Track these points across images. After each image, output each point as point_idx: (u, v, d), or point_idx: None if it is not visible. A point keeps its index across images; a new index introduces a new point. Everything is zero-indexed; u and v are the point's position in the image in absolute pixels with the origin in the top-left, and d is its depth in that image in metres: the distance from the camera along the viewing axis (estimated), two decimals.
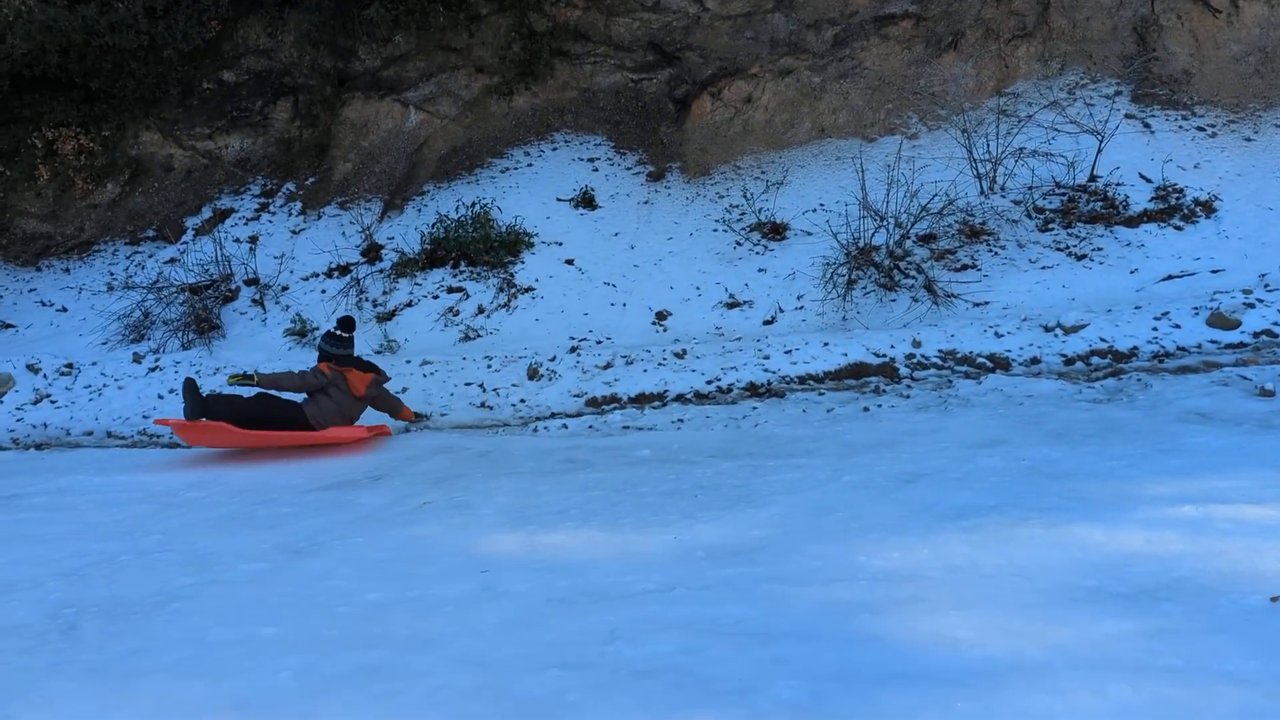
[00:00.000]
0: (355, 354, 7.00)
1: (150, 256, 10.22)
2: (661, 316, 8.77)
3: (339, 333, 6.89)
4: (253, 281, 9.71)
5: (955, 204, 8.72)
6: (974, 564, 3.88)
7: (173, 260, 10.05)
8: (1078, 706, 2.76)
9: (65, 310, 9.71)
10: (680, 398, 7.51)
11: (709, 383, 7.54)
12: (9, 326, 9.49)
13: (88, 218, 10.64)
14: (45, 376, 8.60)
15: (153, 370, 8.67)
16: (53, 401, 8.36)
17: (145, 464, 6.93)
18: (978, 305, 7.88)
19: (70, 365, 8.70)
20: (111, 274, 10.05)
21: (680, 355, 7.89)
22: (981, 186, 9.09)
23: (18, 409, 8.28)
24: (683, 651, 3.37)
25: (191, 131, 11.26)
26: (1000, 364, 7.08)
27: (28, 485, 6.42)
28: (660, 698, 3.03)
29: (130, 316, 9.19)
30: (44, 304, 9.80)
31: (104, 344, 9.07)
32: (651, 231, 9.82)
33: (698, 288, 9.02)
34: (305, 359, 8.73)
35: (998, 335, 7.32)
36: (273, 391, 6.77)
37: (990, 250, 8.44)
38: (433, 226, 9.84)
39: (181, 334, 9.05)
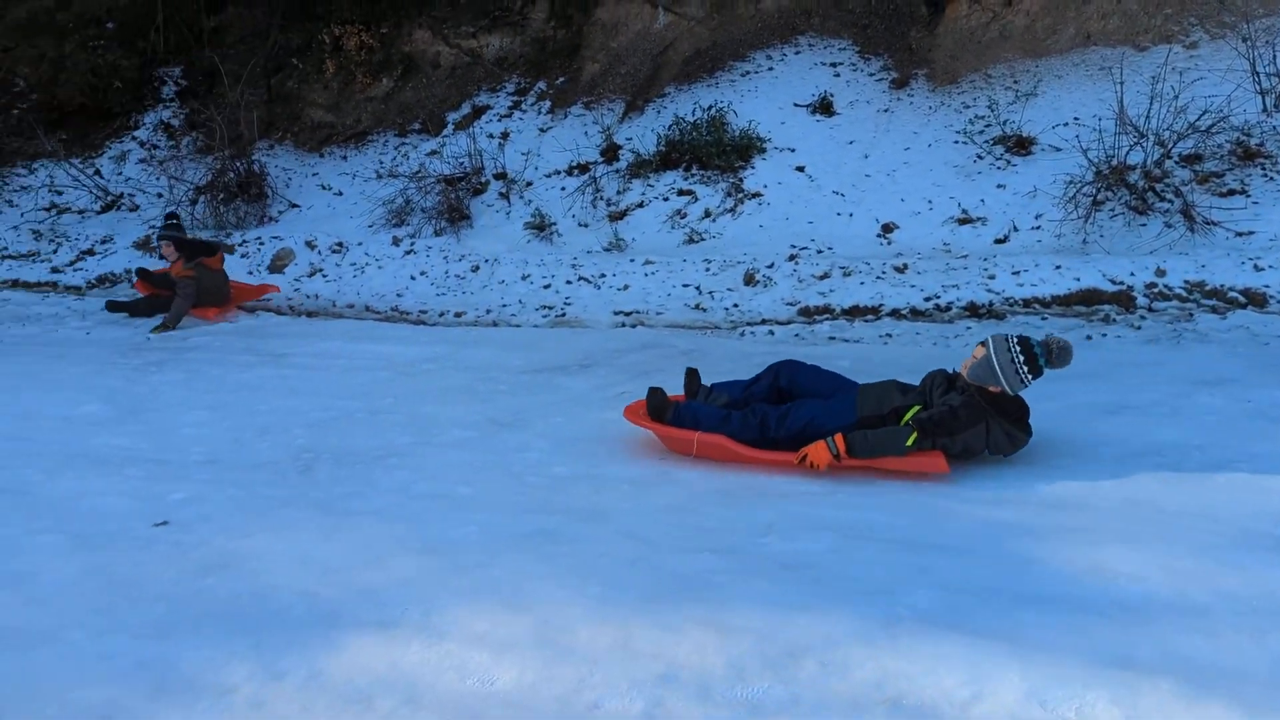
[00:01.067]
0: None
1: (414, 148, 11.08)
2: (888, 229, 8.54)
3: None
4: (501, 176, 10.32)
5: (1229, 121, 7.79)
6: (1155, 501, 3.68)
7: (433, 153, 10.85)
8: (1231, 652, 2.62)
9: (340, 194, 10.76)
10: (895, 313, 7.36)
11: (927, 299, 7.33)
12: (295, 206, 10.66)
13: (364, 110, 11.64)
14: (319, 253, 9.65)
15: (408, 254, 9.51)
16: (324, 275, 9.40)
17: (392, 336, 7.70)
18: (1240, 235, 7.09)
19: (340, 244, 9.71)
20: (380, 162, 11.00)
21: (901, 270, 7.70)
22: (1265, 104, 8.05)
23: (295, 280, 9.38)
24: (831, 551, 3.46)
25: (458, 30, 11.94)
26: (1255, 300, 6.41)
27: (295, 346, 7.33)
28: (800, 589, 3.16)
29: (393, 203, 10.07)
30: (324, 187, 10.91)
31: (369, 226, 10.01)
32: (888, 141, 9.49)
33: (930, 201, 8.68)
34: (541, 251, 9.27)
35: (1257, 269, 6.60)
36: None
37: (1265, 175, 7.52)
38: (669, 128, 10.00)
39: (435, 221, 9.83)
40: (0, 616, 3.30)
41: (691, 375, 4.95)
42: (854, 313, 7.41)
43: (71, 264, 10.11)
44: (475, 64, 11.78)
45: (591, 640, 2.90)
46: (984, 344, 4.13)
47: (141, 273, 8.68)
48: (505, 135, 10.89)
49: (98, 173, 11.50)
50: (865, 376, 4.63)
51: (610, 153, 10.31)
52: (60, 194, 11.37)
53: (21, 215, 11.11)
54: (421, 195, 10.12)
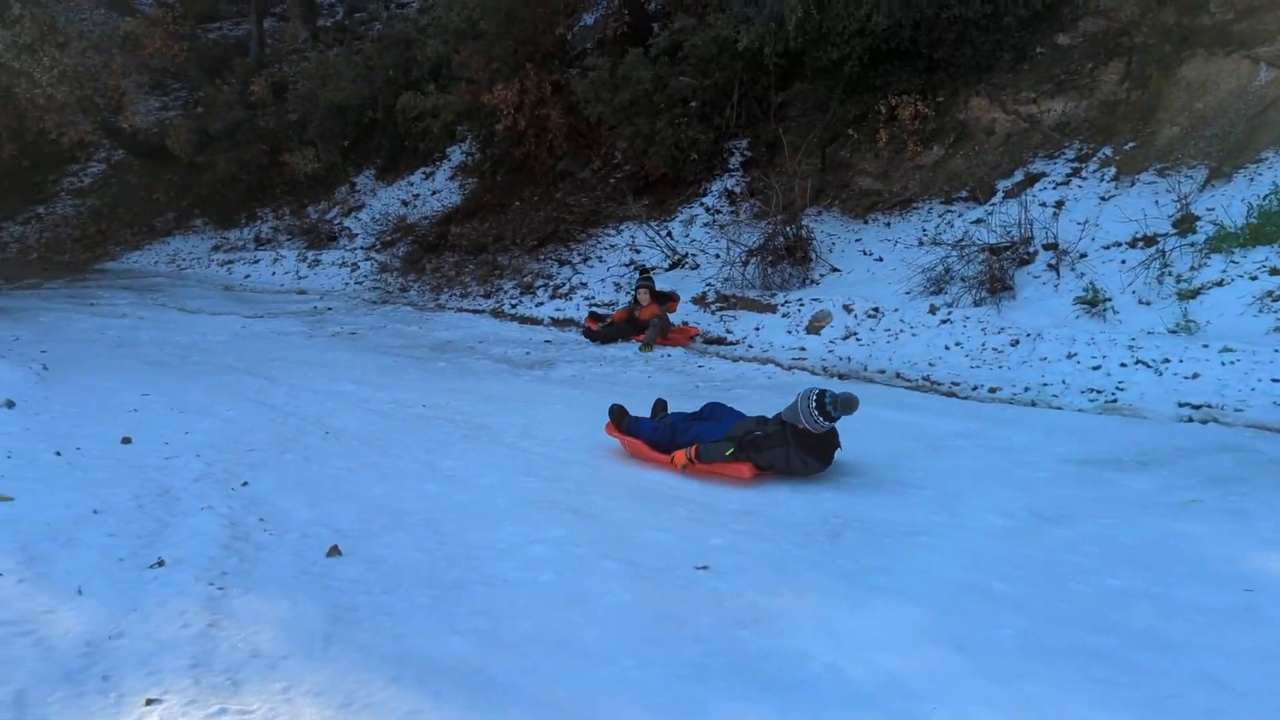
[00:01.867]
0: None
1: (959, 215, 10.87)
2: None
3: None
4: (1051, 246, 9.70)
5: None
6: None
7: (979, 221, 10.54)
8: None
9: (880, 260, 10.91)
10: None
11: None
12: (836, 270, 11.04)
13: (912, 178, 11.72)
14: (855, 316, 9.85)
15: (944, 323, 9.31)
16: (858, 339, 9.56)
17: (923, 406, 7.56)
18: None
19: (876, 309, 9.81)
20: (923, 230, 10.97)
21: None
22: None
23: (830, 341, 9.67)
24: None
25: (1017, 96, 11.54)
26: None
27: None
28: None
29: (933, 270, 9.95)
30: (865, 253, 11.15)
31: (906, 293, 10.00)
32: None
33: None
34: (1092, 329, 8.51)
35: None
36: None
37: None
38: (1264, 198, 8.62)
39: (975, 291, 9.52)
40: (570, 630, 3.74)
41: (658, 404, 6.76)
42: None
43: None
44: (1033, 130, 11.26)
45: None
46: (799, 394, 5.59)
47: (592, 315, 11.24)
48: (1060, 204, 10.23)
49: (669, 234, 12.98)
50: None
51: (1185, 224, 9.17)
52: (638, 252, 13.04)
53: (608, 269, 12.92)
54: (963, 264, 9.88)
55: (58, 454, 6.22)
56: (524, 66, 15.41)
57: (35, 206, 22.10)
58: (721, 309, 10.95)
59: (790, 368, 9.20)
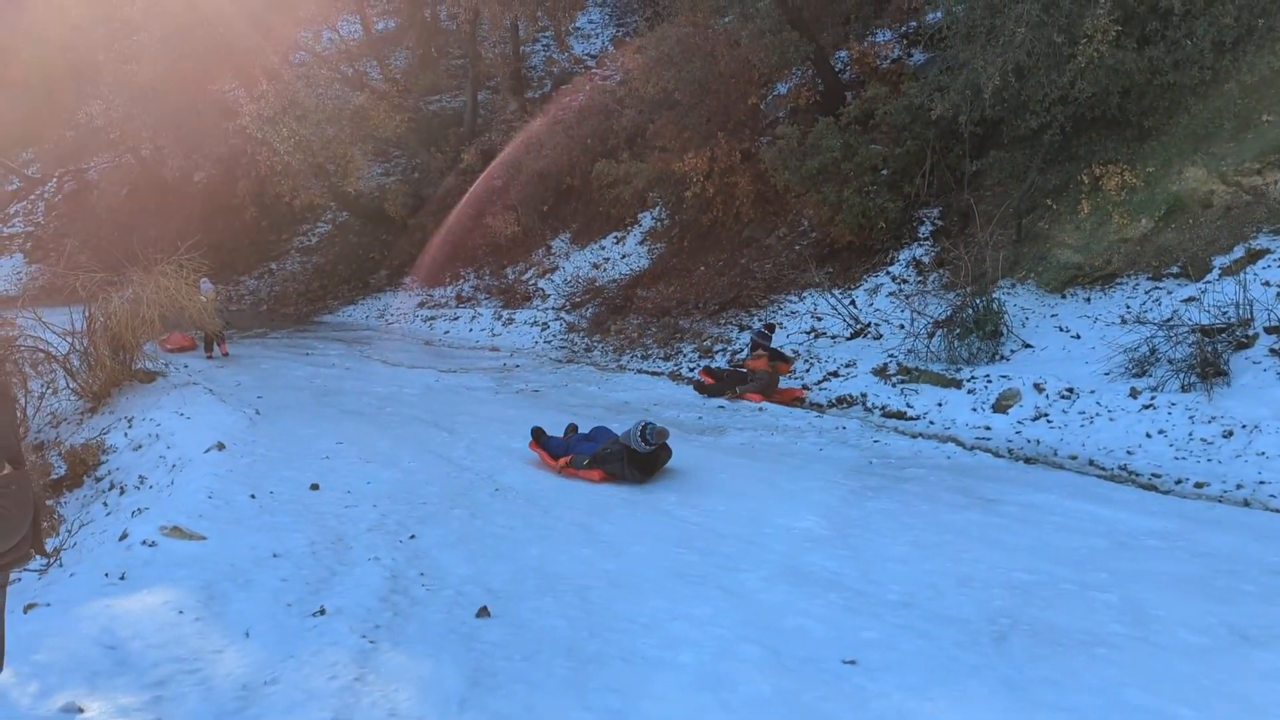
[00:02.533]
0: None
1: (1168, 293, 10.08)
2: None
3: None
4: (1274, 330, 8.81)
5: None
6: None
7: (1190, 299, 9.74)
8: None
9: (1078, 337, 10.25)
10: None
11: None
12: (1028, 346, 10.45)
13: (1116, 251, 10.99)
14: (1047, 396, 9.26)
15: (1146, 408, 8.61)
16: (1049, 421, 8.97)
17: (1116, 499, 6.97)
18: None
19: (1070, 390, 9.20)
20: (1127, 307, 10.24)
21: None
22: None
23: (1018, 422, 9.12)
24: None
25: (1239, 166, 10.66)
26: None
27: (1007, 493, 7.06)
28: None
29: (1136, 351, 9.24)
30: (1061, 329, 10.51)
31: (1105, 374, 9.32)
32: None
33: None
34: None
35: None
36: None
37: None
38: None
39: (1183, 375, 8.75)
40: (698, 716, 3.63)
41: (570, 427, 8.75)
42: None
43: (819, 383, 11.26)
44: (1256, 203, 10.34)
45: None
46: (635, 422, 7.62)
47: (707, 370, 11.88)
48: None
49: (853, 303, 12.72)
50: None
51: None
52: (820, 320, 12.85)
53: (788, 336, 12.79)
54: (1170, 345, 9.11)
55: (252, 496, 6.71)
56: (715, 135, 15.68)
57: (269, 263, 24.28)
58: (903, 382, 10.58)
59: (973, 448, 8.74)
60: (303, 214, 23.85)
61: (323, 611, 4.51)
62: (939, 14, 13.53)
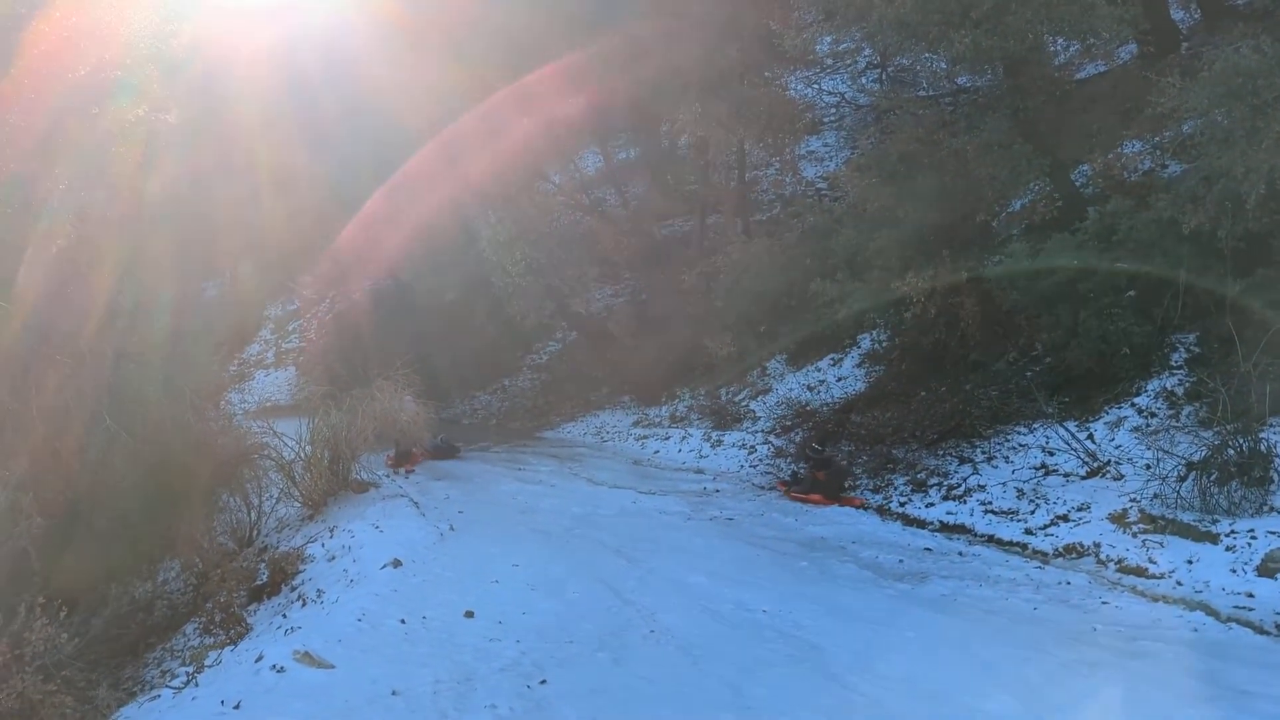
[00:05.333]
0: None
1: None
2: None
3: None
4: None
5: None
6: None
7: None
8: None
9: None
10: None
11: None
12: None
13: None
14: None
15: None
16: None
17: None
18: None
19: None
20: None
21: None
22: None
23: None
24: None
25: None
26: None
27: (1267, 685, 5.70)
28: None
29: None
30: None
31: None
32: None
33: None
34: None
35: None
36: None
37: None
38: None
39: None
40: None
41: None
42: None
43: (1044, 528, 9.97)
44: None
45: None
46: None
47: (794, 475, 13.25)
48: None
49: (1090, 437, 11.30)
50: None
51: None
52: (1051, 455, 11.49)
53: (1012, 472, 11.52)
54: None
55: (402, 621, 6.57)
56: (940, 254, 14.82)
57: (503, 378, 25.36)
58: (1145, 532, 9.13)
59: (1228, 620, 7.24)
60: (535, 333, 24.82)
61: None
62: (1197, 121, 12.23)
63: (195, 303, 23.47)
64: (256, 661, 5.40)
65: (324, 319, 30.37)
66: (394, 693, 5.10)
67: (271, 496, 12.96)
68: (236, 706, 4.77)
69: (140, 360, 10.57)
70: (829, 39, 27.21)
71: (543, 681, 5.52)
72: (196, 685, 5.29)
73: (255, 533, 12.58)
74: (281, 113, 21.56)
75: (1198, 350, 11.54)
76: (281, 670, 5.22)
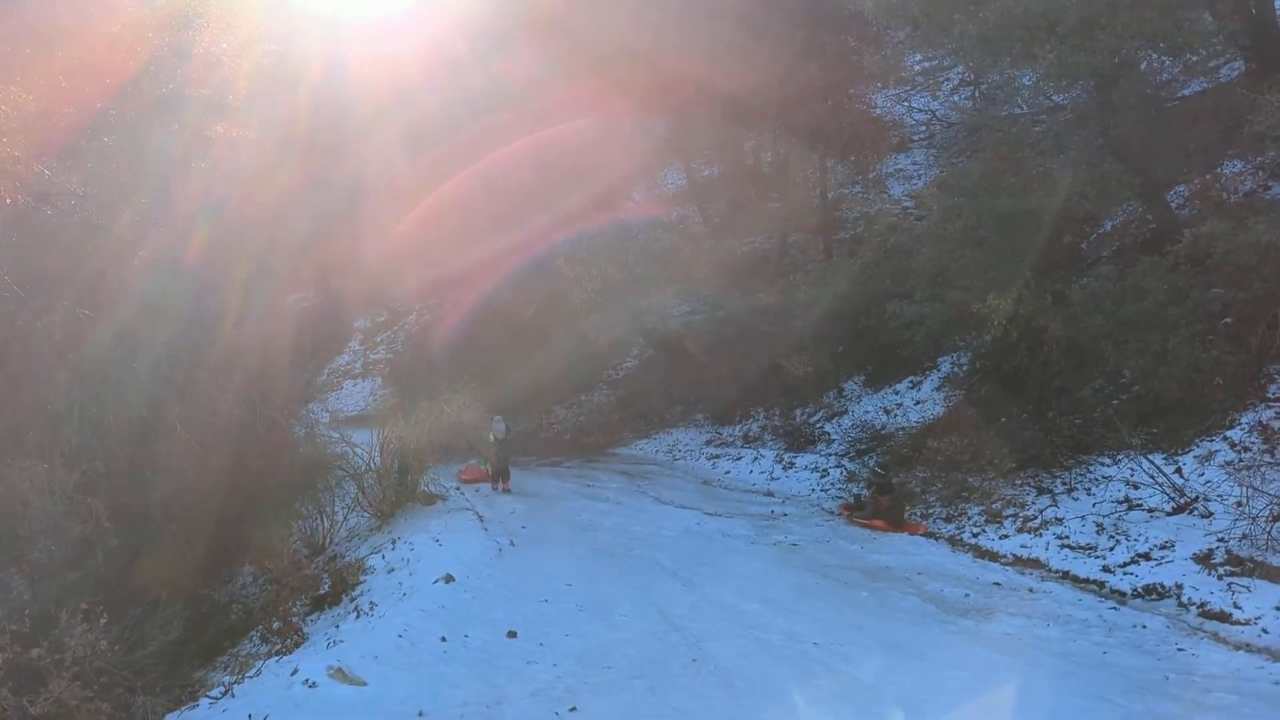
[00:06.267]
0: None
1: None
2: None
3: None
4: None
5: None
6: None
7: None
8: None
9: None
10: None
11: None
12: None
13: None
14: None
15: None
16: None
17: None
18: None
19: None
20: None
21: None
22: None
23: None
24: None
25: None
26: None
27: None
28: None
29: None
30: None
31: None
32: None
33: None
34: None
35: None
36: None
37: None
38: None
39: None
40: None
41: None
42: None
43: (1123, 565, 9.47)
44: None
45: None
46: None
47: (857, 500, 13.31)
48: None
49: (1178, 471, 10.72)
50: None
51: None
52: (1136, 489, 10.93)
53: (1093, 505, 10.99)
54: None
55: (443, 639, 6.56)
56: (1023, 276, 14.32)
57: (580, 394, 25.43)
58: (1232, 574, 8.58)
59: None
60: (613, 349, 24.84)
61: None
62: None
63: (286, 313, 24.06)
64: (291, 675, 5.44)
65: (411, 331, 31.00)
66: (420, 714, 5.07)
67: (346, 506, 13.18)
68: None
69: (215, 369, 10.87)
70: (918, 56, 26.73)
71: (572, 709, 5.42)
72: (232, 696, 5.35)
73: (328, 541, 12.82)
74: (377, 128, 22.06)
75: None
76: (314, 685, 5.24)
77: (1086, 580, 9.47)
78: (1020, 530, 11.05)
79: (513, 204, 21.57)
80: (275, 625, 8.70)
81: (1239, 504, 9.57)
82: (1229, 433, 10.84)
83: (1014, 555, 10.50)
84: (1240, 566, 8.67)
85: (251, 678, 5.72)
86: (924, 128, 28.67)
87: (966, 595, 8.95)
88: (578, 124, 21.47)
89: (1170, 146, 15.35)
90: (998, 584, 9.42)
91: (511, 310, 24.62)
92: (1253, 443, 10.48)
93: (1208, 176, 14.23)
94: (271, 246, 16.22)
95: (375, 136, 21.29)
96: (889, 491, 12.66)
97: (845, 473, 15.00)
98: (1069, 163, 13.64)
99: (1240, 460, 10.32)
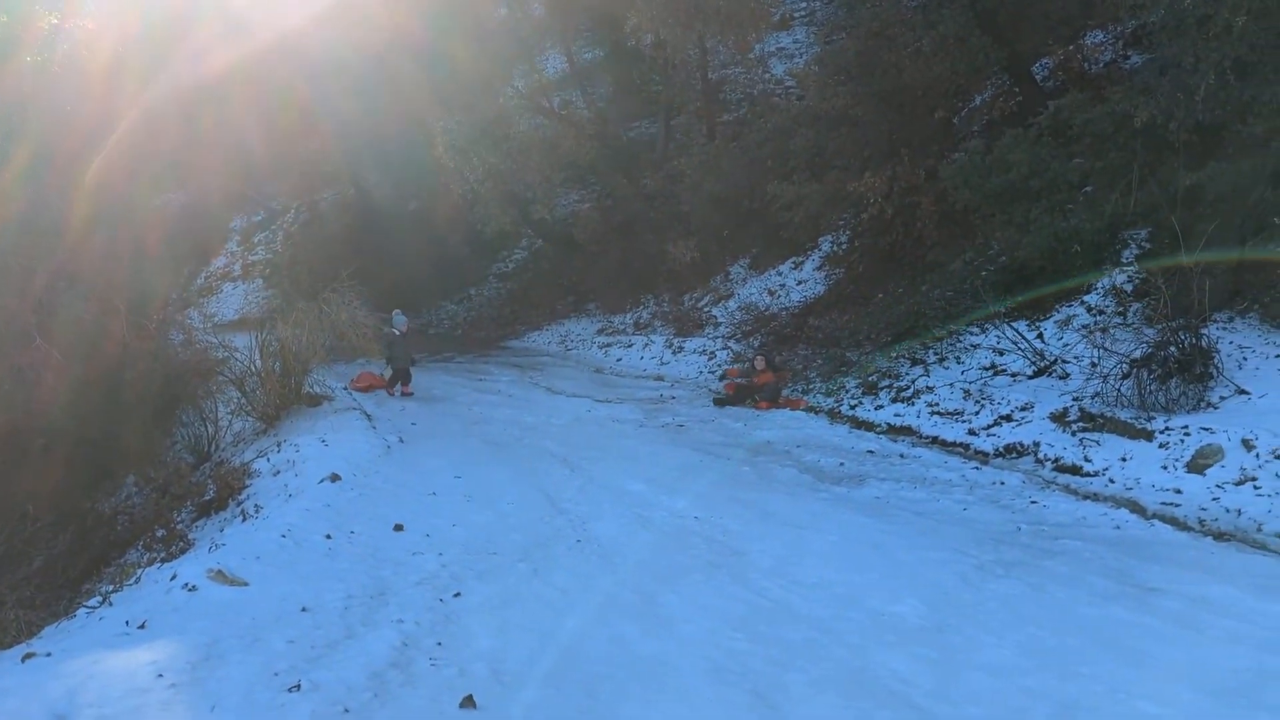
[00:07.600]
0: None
1: None
2: None
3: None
4: None
5: None
6: None
7: None
8: None
9: None
10: None
11: None
12: (1244, 393, 8.77)
13: None
14: (1257, 457, 7.66)
15: None
16: (1255, 487, 7.39)
17: None
18: None
19: None
20: None
21: None
22: None
23: (1217, 486, 7.57)
24: None
25: None
26: None
27: (1174, 581, 5.76)
28: None
29: None
30: None
31: None
32: None
33: None
34: None
35: None
36: None
37: None
38: None
39: None
40: None
41: None
42: None
43: (987, 428, 10.02)
44: None
45: None
46: None
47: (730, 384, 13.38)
48: None
49: (1040, 336, 11.30)
50: None
51: None
52: (1001, 355, 11.50)
53: (962, 373, 11.53)
54: None
55: (328, 537, 6.57)
56: (898, 153, 14.59)
57: (469, 288, 25.16)
58: (1084, 430, 9.18)
59: (1153, 516, 7.32)
60: (502, 241, 24.51)
61: (298, 687, 4.17)
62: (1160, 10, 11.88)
63: (154, 217, 22.81)
64: (171, 580, 5.40)
65: (290, 230, 29.90)
66: (303, 609, 5.11)
67: (230, 412, 12.89)
68: (141, 626, 4.77)
69: (74, 277, 10.34)
70: None
71: (456, 594, 5.54)
72: (110, 605, 5.29)
73: (214, 447, 12.57)
74: (250, 25, 20.77)
75: (1149, 246, 11.45)
76: (193, 589, 5.22)
77: (953, 444, 9.99)
78: (895, 400, 11.55)
79: (390, 95, 20.76)
80: (159, 534, 8.58)
81: (1093, 364, 10.17)
82: (1086, 297, 11.42)
83: (888, 424, 10.99)
84: (1092, 422, 9.26)
85: (131, 586, 5.66)
86: (804, 4, 28.44)
87: (841, 464, 9.36)
88: (451, 4, 20.62)
89: (1036, 18, 15.60)
90: (871, 452, 9.88)
91: (393, 206, 23.93)
92: (1108, 305, 11.08)
93: (1070, 48, 14.57)
94: (132, 149, 15.31)
95: (260, 33, 20.05)
96: (778, 368, 13.12)
97: (732, 354, 15.33)
98: (939, 37, 13.76)
99: (1096, 323, 10.92)
